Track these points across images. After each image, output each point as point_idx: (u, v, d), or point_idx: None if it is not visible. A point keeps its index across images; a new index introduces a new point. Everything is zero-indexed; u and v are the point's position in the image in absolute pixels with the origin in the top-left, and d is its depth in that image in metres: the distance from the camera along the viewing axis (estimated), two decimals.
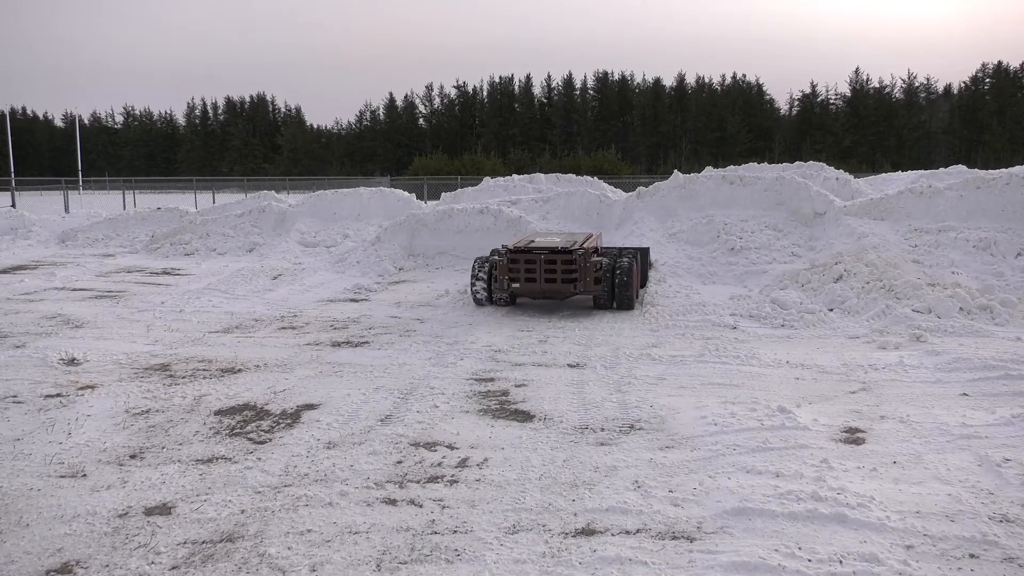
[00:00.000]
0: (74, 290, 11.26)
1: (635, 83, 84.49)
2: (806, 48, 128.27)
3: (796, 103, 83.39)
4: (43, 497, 4.05)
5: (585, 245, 9.29)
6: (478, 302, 9.70)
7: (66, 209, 25.79)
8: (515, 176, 21.97)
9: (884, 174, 24.44)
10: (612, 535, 3.59)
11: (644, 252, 10.71)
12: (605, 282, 9.19)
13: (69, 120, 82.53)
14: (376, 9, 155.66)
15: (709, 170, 17.57)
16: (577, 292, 9.15)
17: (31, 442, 4.86)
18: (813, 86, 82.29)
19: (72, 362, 6.84)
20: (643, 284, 10.42)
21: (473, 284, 9.68)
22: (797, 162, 21.07)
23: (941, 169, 21.31)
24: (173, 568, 3.34)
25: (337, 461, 4.51)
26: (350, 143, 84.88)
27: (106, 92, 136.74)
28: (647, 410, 5.41)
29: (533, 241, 9.57)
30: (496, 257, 9.54)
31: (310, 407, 5.56)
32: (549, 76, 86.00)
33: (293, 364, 6.83)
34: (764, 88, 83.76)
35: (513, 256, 9.14)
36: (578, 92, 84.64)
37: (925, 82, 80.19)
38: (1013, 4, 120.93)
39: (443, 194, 20.34)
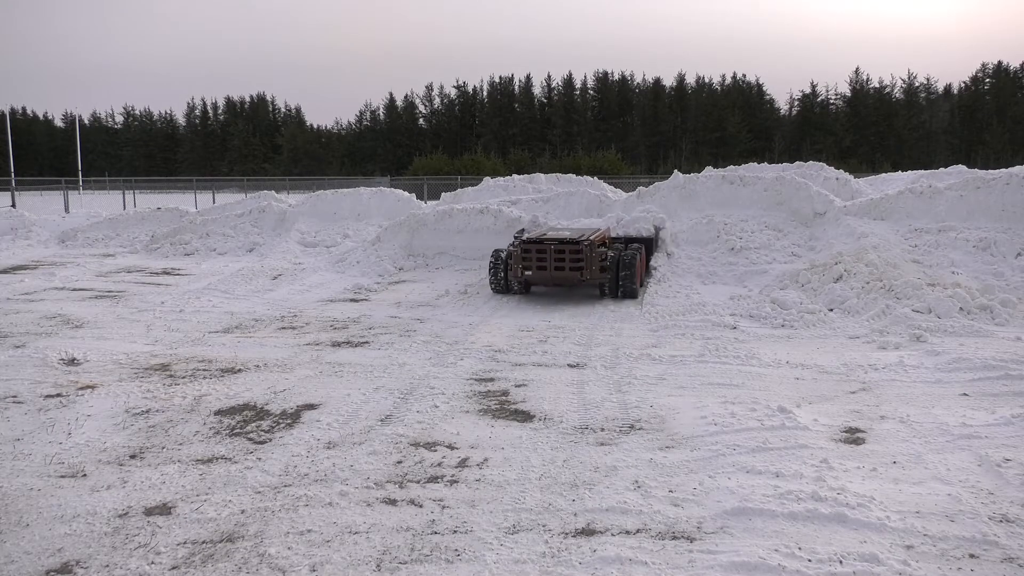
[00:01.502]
0: (74, 290, 11.26)
1: (635, 83, 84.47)
2: (806, 48, 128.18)
3: (796, 103, 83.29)
4: (43, 497, 4.05)
5: (592, 238, 10.12)
6: (496, 290, 10.56)
7: (66, 209, 25.79)
8: (515, 176, 21.95)
9: (884, 174, 24.39)
10: (612, 535, 3.59)
11: (649, 242, 11.61)
12: (610, 271, 9.95)
13: (69, 120, 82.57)
14: (376, 9, 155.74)
15: (709, 170, 17.55)
16: (584, 280, 9.86)
17: (31, 442, 4.86)
18: (813, 86, 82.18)
19: (72, 362, 6.84)
20: (648, 263, 11.33)
21: (491, 274, 10.61)
22: (797, 162, 21.03)
23: (941, 169, 21.27)
24: (173, 568, 3.34)
25: (337, 461, 4.51)
26: (350, 143, 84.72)
27: (106, 92, 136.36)
28: (647, 410, 5.41)
29: (545, 234, 10.37)
30: (511, 248, 10.47)
31: (310, 407, 5.56)
32: (549, 76, 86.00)
33: (293, 364, 6.83)
34: (764, 88, 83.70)
35: (526, 247, 10.00)
36: (578, 92, 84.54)
37: (925, 82, 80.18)
38: (1013, 4, 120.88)
39: (443, 194, 20.33)
